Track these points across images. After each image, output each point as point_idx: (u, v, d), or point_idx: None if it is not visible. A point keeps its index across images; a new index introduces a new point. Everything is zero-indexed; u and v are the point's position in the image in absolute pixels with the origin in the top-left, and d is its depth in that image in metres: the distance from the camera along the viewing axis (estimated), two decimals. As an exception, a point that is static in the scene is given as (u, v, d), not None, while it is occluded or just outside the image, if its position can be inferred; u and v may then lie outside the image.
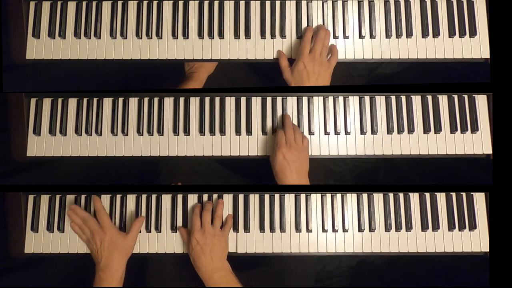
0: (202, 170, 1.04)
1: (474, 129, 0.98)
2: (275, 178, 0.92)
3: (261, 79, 1.11)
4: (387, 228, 0.98)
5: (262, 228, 0.98)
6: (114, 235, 0.93)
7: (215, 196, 0.99)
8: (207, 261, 0.90)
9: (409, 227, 0.97)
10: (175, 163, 1.02)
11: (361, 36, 1.00)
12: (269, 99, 1.00)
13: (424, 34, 1.00)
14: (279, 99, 1.00)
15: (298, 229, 0.97)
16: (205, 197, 0.99)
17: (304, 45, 0.95)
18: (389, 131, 0.98)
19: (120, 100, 1.00)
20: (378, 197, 0.99)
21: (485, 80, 0.97)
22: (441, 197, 0.99)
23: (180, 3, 1.01)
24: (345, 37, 1.00)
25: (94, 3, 1.01)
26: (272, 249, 0.97)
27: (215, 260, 0.90)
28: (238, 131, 0.99)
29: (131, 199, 0.99)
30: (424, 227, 0.98)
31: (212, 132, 0.99)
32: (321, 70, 0.93)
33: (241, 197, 0.99)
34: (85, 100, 1.00)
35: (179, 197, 0.99)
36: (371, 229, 0.98)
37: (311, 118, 0.99)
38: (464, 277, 0.99)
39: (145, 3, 1.01)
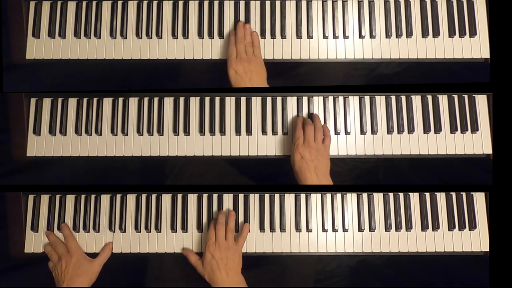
0: (210, 171, 1.03)
1: (474, 129, 0.98)
2: (296, 178, 0.91)
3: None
4: (387, 228, 0.98)
5: (262, 228, 0.98)
6: (80, 258, 0.92)
7: (215, 196, 0.99)
8: (223, 276, 0.88)
9: (409, 227, 0.97)
10: (185, 165, 1.01)
11: (361, 36, 1.00)
12: (269, 99, 1.00)
13: (424, 34, 1.00)
14: (279, 99, 1.00)
15: (298, 229, 0.97)
16: (205, 197, 0.99)
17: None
18: (389, 131, 0.98)
19: (120, 100, 1.00)
20: (378, 197, 0.99)
21: (485, 80, 0.97)
22: (441, 197, 0.99)
23: (180, 3, 1.01)
24: (345, 37, 1.00)
25: (94, 3, 1.01)
26: (272, 249, 0.97)
27: (231, 275, 0.89)
28: (238, 131, 0.99)
29: (131, 199, 0.99)
30: (424, 227, 0.98)
31: (212, 132, 0.98)
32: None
33: (241, 197, 0.99)
34: (85, 100, 1.00)
35: (179, 197, 0.99)
36: (371, 229, 0.98)
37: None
38: (464, 277, 0.99)
39: (145, 3, 1.01)
